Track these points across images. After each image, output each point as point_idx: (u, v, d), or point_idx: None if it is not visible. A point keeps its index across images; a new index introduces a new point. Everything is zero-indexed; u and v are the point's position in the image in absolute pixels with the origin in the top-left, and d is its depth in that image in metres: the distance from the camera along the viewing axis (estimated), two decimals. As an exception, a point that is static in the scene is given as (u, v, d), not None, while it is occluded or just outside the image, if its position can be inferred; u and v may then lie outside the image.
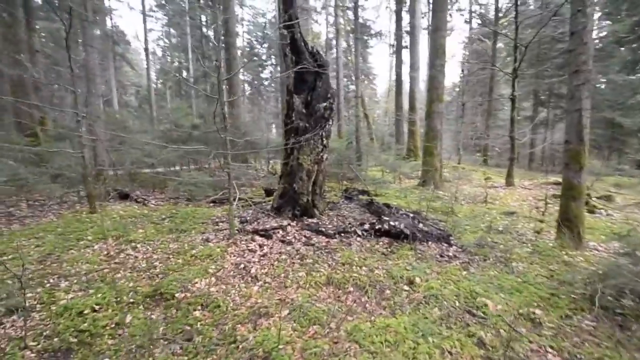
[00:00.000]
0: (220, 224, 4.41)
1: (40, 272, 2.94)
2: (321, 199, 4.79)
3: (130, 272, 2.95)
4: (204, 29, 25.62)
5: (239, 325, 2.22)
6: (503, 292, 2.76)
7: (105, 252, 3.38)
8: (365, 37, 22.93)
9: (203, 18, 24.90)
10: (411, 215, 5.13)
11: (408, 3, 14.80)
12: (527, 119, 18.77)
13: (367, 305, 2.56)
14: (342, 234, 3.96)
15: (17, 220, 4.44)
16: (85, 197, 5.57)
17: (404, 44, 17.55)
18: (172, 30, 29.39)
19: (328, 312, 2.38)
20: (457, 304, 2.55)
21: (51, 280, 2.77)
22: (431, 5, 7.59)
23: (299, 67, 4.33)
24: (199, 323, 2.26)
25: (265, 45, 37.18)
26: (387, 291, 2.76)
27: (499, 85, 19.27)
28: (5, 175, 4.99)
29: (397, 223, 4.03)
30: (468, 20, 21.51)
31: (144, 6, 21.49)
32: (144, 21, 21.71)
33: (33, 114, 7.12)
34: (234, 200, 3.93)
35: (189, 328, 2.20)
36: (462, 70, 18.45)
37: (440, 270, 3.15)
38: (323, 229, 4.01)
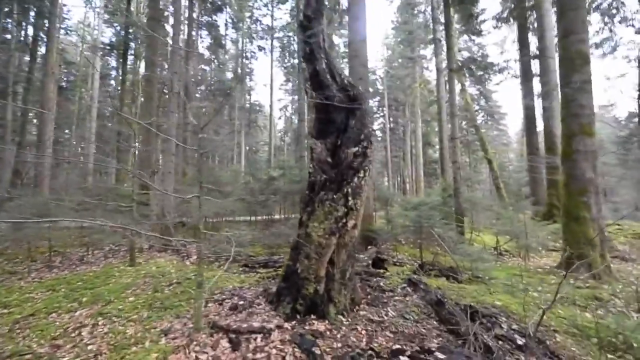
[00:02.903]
0: (211, 304, 3.45)
1: (-7, 341, 2.69)
2: (345, 289, 3.16)
3: (40, 371, 2.29)
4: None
5: None
6: None
7: (66, 326, 2.94)
8: (483, 74, 19.88)
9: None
10: (518, 341, 2.76)
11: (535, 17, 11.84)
12: None
13: None
14: (349, 369, 2.23)
15: (75, 265, 4.89)
16: (147, 247, 5.91)
17: (534, 71, 13.93)
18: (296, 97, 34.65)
19: None
20: None
21: (-26, 361, 2.41)
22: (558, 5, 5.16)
23: (313, 100, 3.29)
24: None
25: (377, 99, 39.09)
26: None
27: None
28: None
29: (460, 372, 2.00)
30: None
31: (272, 83, 26.04)
32: (271, 93, 26.10)
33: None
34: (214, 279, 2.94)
35: None
36: (642, 92, 12.68)
37: None
38: (320, 351, 2.40)
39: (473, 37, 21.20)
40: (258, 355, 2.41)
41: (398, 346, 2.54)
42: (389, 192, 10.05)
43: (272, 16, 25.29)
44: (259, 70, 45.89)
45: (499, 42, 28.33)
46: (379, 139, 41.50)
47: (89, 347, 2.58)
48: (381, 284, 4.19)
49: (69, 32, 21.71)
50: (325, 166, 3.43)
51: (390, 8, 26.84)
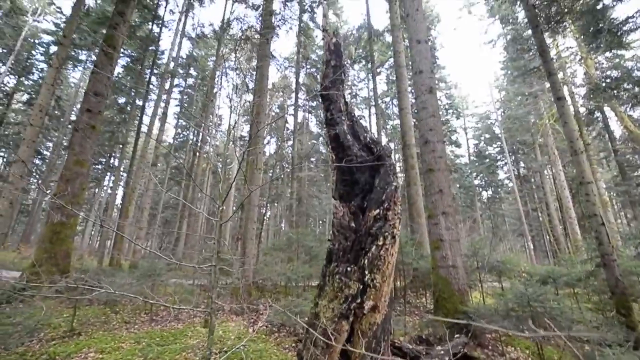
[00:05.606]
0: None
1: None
2: (364, 397, 2.38)
3: None
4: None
5: None
6: None
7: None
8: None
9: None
10: None
11: None
12: None
13: None
14: None
15: (169, 321, 5.73)
16: (227, 309, 6.42)
17: None
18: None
19: None
20: None
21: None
22: None
23: (333, 163, 3.15)
24: None
25: (497, 145, 34.92)
26: None
27: None
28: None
29: None
30: None
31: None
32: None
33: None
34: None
35: None
36: None
37: None
38: None
39: (619, 52, 16.71)
40: None
41: None
42: (507, 258, 7.76)
43: (367, 87, 27.72)
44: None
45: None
46: (509, 189, 35.06)
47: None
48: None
49: (221, 133, 30.16)
50: (348, 232, 3.04)
51: (495, 49, 24.75)
